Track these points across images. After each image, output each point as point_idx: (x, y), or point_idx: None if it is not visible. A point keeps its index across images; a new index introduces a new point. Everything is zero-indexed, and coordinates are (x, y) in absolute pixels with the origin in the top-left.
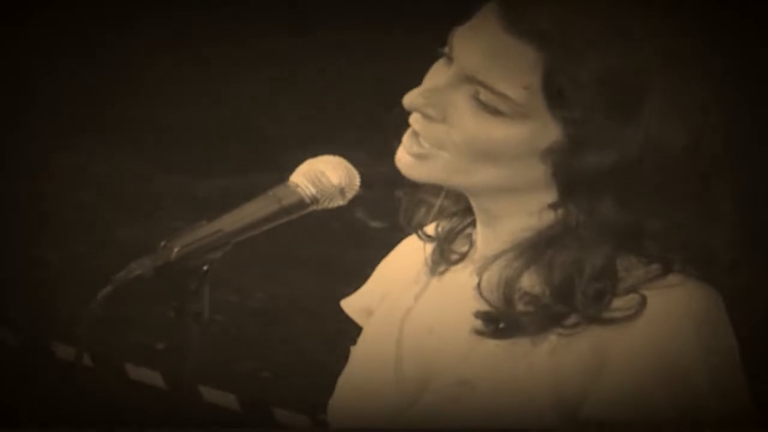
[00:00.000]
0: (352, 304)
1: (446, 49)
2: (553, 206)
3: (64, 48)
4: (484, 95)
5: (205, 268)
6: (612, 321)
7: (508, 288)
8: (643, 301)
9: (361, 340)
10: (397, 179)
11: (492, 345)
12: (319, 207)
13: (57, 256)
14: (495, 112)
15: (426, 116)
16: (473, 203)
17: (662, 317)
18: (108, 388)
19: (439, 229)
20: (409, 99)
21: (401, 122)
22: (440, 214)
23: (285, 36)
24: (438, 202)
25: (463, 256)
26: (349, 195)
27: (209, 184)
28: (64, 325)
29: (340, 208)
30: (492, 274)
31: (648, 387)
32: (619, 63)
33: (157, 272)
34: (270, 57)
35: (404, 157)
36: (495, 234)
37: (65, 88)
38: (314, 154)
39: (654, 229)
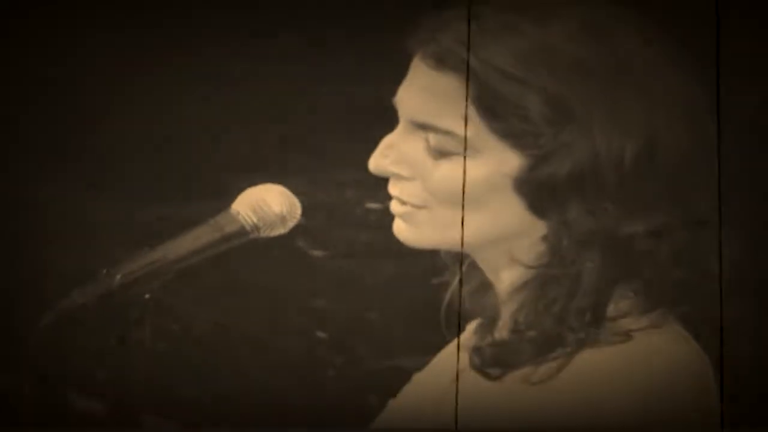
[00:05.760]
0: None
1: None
2: (539, 244)
3: (2, 73)
4: (433, 139)
5: (147, 296)
6: (597, 344)
7: (514, 324)
8: (627, 336)
9: (406, 394)
10: (339, 208)
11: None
12: (261, 235)
13: None
14: (448, 153)
15: (397, 177)
16: (481, 265)
17: (641, 359)
18: (49, 417)
19: (475, 305)
20: (373, 162)
21: (343, 150)
22: (470, 286)
23: (226, 62)
24: (458, 274)
25: (493, 320)
26: (291, 223)
27: (150, 212)
28: (4, 352)
29: (281, 237)
30: (503, 316)
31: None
32: (548, 78)
33: (100, 301)
34: (211, 83)
35: (398, 225)
36: (502, 287)
37: (3, 115)
38: (256, 182)
39: (636, 234)
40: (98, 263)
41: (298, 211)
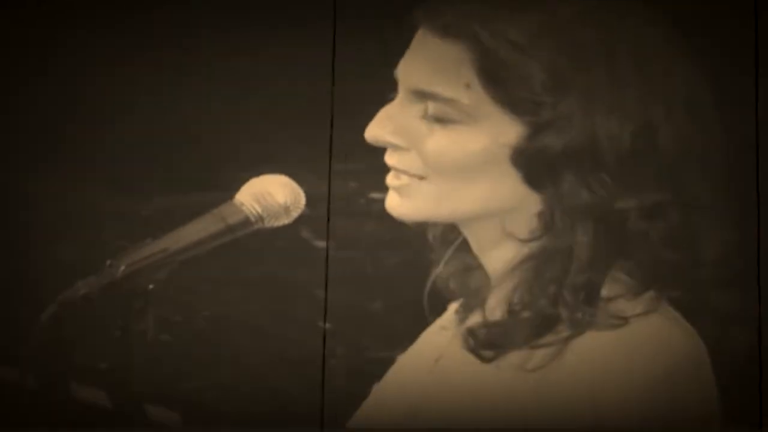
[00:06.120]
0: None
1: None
2: (534, 220)
3: (2, 66)
4: (432, 107)
5: (150, 287)
6: (594, 326)
7: (508, 305)
8: (623, 320)
9: (390, 378)
10: (343, 198)
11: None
12: (265, 226)
13: None
14: (447, 121)
15: (394, 148)
16: (472, 244)
17: (638, 344)
18: (51, 408)
19: (460, 286)
20: (370, 132)
21: (346, 141)
22: (455, 268)
23: (229, 55)
24: (448, 254)
25: (478, 301)
26: (294, 214)
27: (153, 203)
28: (7, 345)
29: (285, 227)
30: (495, 297)
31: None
32: (553, 52)
33: (103, 292)
34: (212, 75)
35: (391, 199)
36: (493, 268)
37: (4, 107)
38: (259, 173)
39: (630, 210)
40: (101, 254)
41: (302, 201)
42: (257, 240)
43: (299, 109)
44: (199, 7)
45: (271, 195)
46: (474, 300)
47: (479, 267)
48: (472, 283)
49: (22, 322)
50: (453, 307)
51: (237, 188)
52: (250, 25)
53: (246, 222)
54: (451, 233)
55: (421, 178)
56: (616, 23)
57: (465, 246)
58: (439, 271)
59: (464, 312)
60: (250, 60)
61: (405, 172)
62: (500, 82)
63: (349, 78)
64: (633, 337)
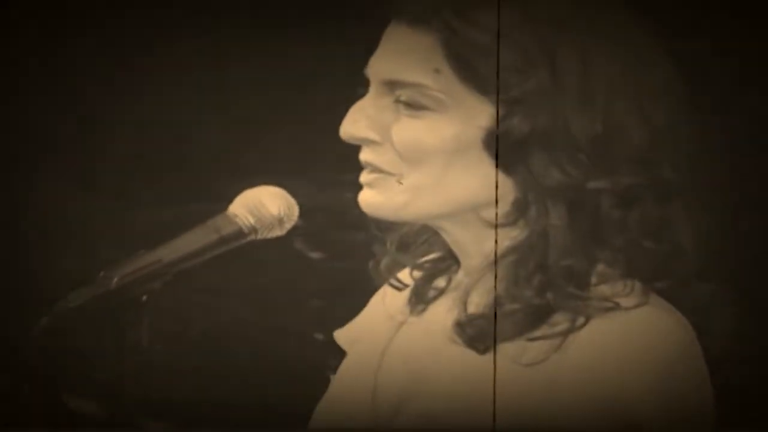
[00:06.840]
0: (344, 335)
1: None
2: (510, 207)
3: (1, 73)
4: (404, 95)
5: (144, 298)
6: (587, 311)
7: (494, 298)
8: (616, 305)
9: (342, 370)
10: (337, 209)
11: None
12: (258, 237)
13: None
14: (419, 108)
15: (368, 143)
16: (448, 240)
17: (635, 336)
18: (46, 419)
19: (414, 274)
20: (344, 130)
21: (341, 152)
22: (416, 266)
23: (223, 63)
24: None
25: (441, 292)
26: (288, 225)
27: (148, 214)
28: (1, 355)
29: (278, 239)
30: (476, 295)
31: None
32: (528, 35)
33: (97, 302)
34: (208, 85)
35: (364, 194)
36: (471, 262)
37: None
38: (253, 184)
39: (604, 193)
40: (95, 265)
41: (296, 212)
42: (251, 251)
43: (294, 120)
44: (196, 20)
45: (264, 206)
46: (429, 291)
47: (448, 259)
48: (430, 274)
49: (16, 331)
50: (401, 296)
51: (231, 199)
52: (246, 35)
53: (239, 233)
54: (418, 236)
55: (398, 174)
56: (594, 13)
57: (430, 244)
58: (386, 273)
59: (417, 302)
60: (244, 69)
61: (379, 168)
62: (470, 64)
63: (344, 86)
64: (630, 330)
